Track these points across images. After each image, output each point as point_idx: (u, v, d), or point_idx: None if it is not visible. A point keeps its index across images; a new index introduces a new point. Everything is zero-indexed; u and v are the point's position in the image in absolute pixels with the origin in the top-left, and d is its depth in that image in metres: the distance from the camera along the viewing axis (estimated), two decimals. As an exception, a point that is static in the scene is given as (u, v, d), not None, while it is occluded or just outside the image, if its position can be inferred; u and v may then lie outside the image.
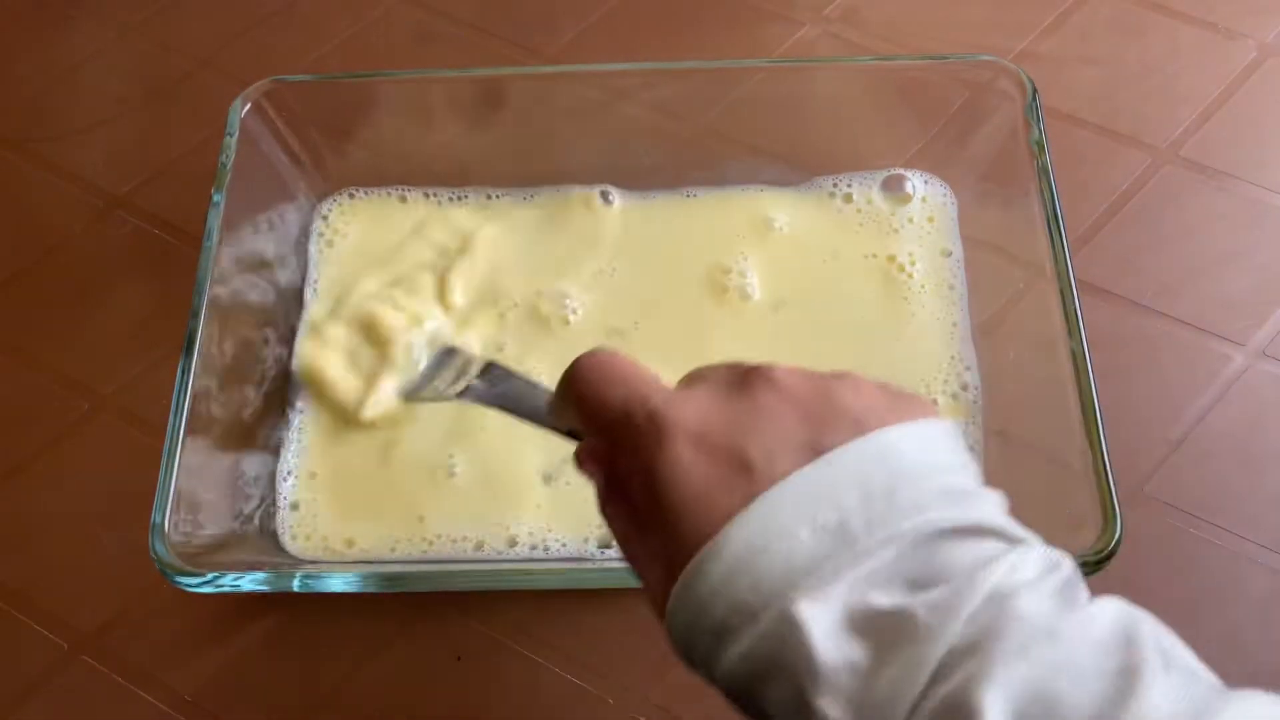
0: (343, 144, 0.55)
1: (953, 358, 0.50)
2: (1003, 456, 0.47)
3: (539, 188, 0.55)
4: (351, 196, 0.56)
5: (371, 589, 0.42)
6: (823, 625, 0.26)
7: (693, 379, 0.31)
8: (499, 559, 0.46)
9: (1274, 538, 0.47)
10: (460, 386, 0.39)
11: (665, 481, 0.28)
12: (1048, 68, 0.61)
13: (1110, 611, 0.26)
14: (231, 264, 0.48)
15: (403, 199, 0.56)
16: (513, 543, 0.47)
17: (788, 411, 0.28)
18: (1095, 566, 0.39)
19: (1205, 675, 0.25)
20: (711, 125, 0.55)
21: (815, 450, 0.28)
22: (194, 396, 0.44)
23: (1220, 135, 0.58)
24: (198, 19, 0.66)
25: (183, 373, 0.44)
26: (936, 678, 0.25)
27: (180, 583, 0.41)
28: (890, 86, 0.53)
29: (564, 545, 0.47)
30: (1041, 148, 0.49)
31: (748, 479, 0.27)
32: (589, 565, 0.46)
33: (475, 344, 0.51)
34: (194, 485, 0.43)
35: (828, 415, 0.28)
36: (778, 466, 0.27)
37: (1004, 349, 0.49)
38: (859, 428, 0.28)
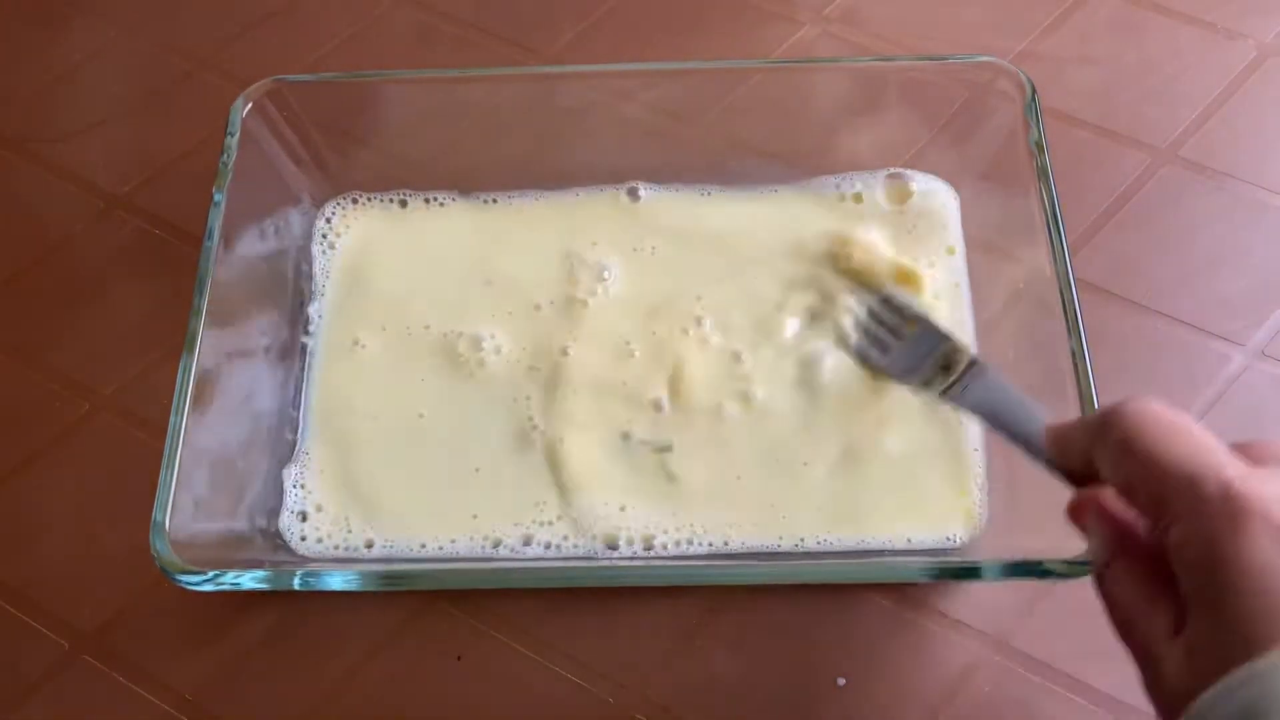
0: (344, 144, 0.55)
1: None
2: (1003, 456, 0.47)
3: (539, 188, 0.55)
4: (355, 202, 0.56)
5: (372, 588, 0.42)
6: None
7: (1266, 455, 0.28)
8: (499, 558, 0.46)
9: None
10: (946, 383, 0.35)
11: (1237, 565, 0.25)
12: (1047, 68, 0.61)
13: None
14: (232, 264, 0.48)
15: (403, 203, 0.56)
16: (527, 540, 0.47)
17: None
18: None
19: None
20: (712, 125, 0.55)
21: None
22: (195, 395, 0.44)
23: (1220, 135, 0.58)
24: (198, 19, 0.66)
25: (183, 372, 0.44)
26: None
27: (181, 581, 0.41)
28: (890, 87, 0.53)
29: (575, 546, 0.47)
30: (1041, 148, 0.49)
31: None
32: (590, 564, 0.46)
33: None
34: (195, 484, 0.43)
35: None
36: None
37: (1004, 349, 0.49)
38: None
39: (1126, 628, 0.28)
